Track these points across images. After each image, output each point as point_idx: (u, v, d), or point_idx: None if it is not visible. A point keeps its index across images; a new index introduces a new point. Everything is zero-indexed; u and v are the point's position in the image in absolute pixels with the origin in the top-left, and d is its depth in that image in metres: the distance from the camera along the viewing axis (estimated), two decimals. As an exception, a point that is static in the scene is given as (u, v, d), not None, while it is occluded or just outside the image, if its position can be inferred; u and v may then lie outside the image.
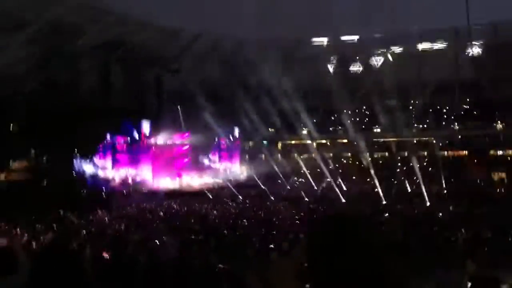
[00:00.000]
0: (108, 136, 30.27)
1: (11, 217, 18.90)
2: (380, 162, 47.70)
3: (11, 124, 32.66)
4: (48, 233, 15.44)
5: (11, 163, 33.07)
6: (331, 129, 52.90)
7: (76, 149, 27.48)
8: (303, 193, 32.75)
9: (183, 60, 39.30)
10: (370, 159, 48.79)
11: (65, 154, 25.76)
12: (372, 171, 43.48)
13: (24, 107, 28.98)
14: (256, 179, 39.73)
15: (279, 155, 52.50)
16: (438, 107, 50.84)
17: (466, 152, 46.26)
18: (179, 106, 35.52)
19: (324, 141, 52.63)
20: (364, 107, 52.77)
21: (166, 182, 33.66)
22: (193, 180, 36.29)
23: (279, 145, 53.88)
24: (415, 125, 51.55)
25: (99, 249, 11.63)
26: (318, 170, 44.28)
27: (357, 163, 47.60)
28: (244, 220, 20.05)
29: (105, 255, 9.39)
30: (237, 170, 42.35)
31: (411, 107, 51.40)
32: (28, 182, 29.86)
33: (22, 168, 32.90)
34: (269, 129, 51.71)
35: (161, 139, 33.71)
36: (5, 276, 2.65)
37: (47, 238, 14.04)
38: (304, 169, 45.58)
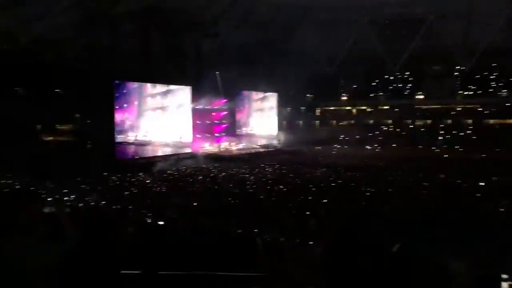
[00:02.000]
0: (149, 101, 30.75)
1: (57, 179, 19.94)
2: (422, 129, 46.39)
3: (56, 89, 33.68)
4: (93, 195, 16.14)
5: (56, 126, 34.48)
6: (371, 95, 51.56)
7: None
8: (340, 160, 32.59)
9: (221, 25, 38.91)
10: (412, 126, 47.61)
11: (107, 118, 26.38)
12: (413, 139, 42.63)
13: (67, 72, 29.69)
14: (294, 145, 39.80)
15: (317, 121, 52.11)
16: (486, 73, 48.42)
17: (514, 120, 44.19)
18: (217, 72, 35.51)
19: (364, 107, 51.56)
20: (408, 72, 50.97)
21: (204, 147, 34.20)
22: (231, 145, 36.74)
23: (318, 111, 53.29)
24: (460, 91, 49.51)
25: (140, 212, 12.11)
26: (358, 137, 43.75)
27: (397, 130, 46.59)
28: (281, 186, 20.30)
29: (147, 218, 9.70)
30: (274, 136, 42.37)
31: (456, 73, 49.23)
32: (73, 144, 31.08)
33: (67, 131, 34.20)
34: (308, 95, 51.10)
35: (200, 104, 34.04)
36: (52, 242, 2.73)
37: (92, 200, 14.69)
38: (343, 135, 45.08)
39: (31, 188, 13.25)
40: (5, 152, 22.35)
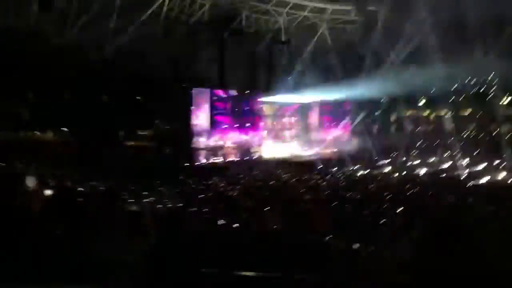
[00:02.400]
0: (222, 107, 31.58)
1: (140, 182, 20.67)
2: (509, 136, 43.03)
3: (138, 97, 35.65)
4: (172, 197, 16.79)
5: (138, 131, 36.30)
6: (450, 100, 48.67)
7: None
8: (418, 167, 31.24)
9: (292, 32, 39.09)
10: (496, 132, 44.32)
11: (184, 124, 27.46)
12: (499, 146, 39.63)
13: (148, 81, 31.32)
14: (368, 151, 38.65)
15: (393, 126, 50.23)
16: None
17: None
18: (289, 78, 35.72)
19: (443, 113, 48.85)
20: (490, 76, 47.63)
21: (275, 152, 34.31)
22: (302, 150, 36.58)
23: (393, 116, 51.32)
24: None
25: (214, 214, 12.41)
26: (436, 143, 41.56)
27: (481, 136, 43.64)
28: (354, 193, 19.17)
29: (220, 220, 9.95)
30: (347, 141, 41.52)
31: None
32: (153, 149, 32.61)
33: (148, 136, 35.96)
34: (383, 99, 49.41)
35: (271, 110, 34.39)
36: (137, 238, 2.91)
37: (172, 203, 15.30)
38: (421, 142, 42.97)
39: (118, 190, 14.10)
40: (95, 156, 24.05)
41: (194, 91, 28.47)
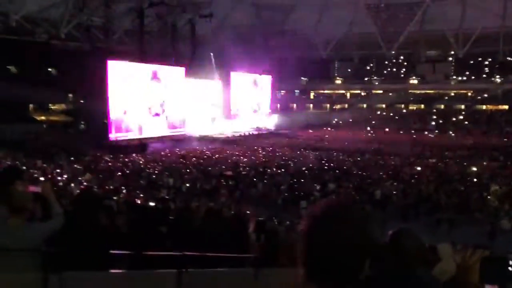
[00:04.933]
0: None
1: (51, 158, 19.83)
2: (416, 114, 46.52)
3: (49, 68, 33.35)
4: (86, 174, 16.11)
5: (50, 106, 34.20)
6: (366, 79, 51.36)
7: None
8: (332, 143, 32.61)
9: (215, 5, 38.35)
10: (405, 110, 47.72)
11: (99, 97, 26.01)
12: (406, 123, 42.69)
13: (60, 51, 29.36)
14: (287, 128, 39.67)
15: (311, 104, 51.89)
16: (480, 59, 48.43)
17: (507, 107, 44.32)
18: (211, 52, 35.14)
19: (358, 91, 51.42)
20: (402, 57, 50.86)
21: (199, 129, 33.94)
22: (225, 127, 36.42)
23: (312, 94, 53.10)
24: (454, 77, 49.57)
25: (132, 193, 12.10)
26: (350, 120, 43.75)
27: (391, 114, 46.60)
28: (274, 169, 20.50)
29: (138, 200, 9.74)
30: (269, 118, 42.16)
31: (450, 58, 49.21)
32: (66, 124, 30.85)
33: (61, 111, 33.98)
34: (302, 78, 50.74)
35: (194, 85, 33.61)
36: (39, 220, 2.77)
37: (86, 179, 14.68)
38: (336, 119, 45.10)
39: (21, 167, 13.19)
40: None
41: (111, 63, 26.34)
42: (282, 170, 20.26)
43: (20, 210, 2.56)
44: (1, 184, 2.77)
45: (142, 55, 30.02)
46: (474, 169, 20.73)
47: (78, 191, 9.42)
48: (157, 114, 30.37)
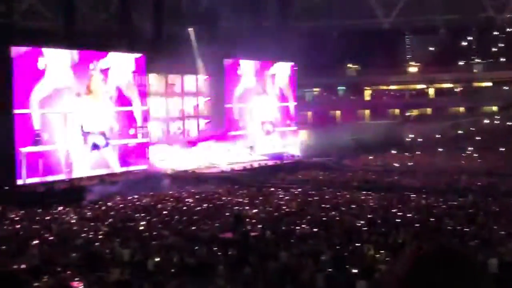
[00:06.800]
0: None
1: None
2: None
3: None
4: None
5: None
6: (461, 63, 37.50)
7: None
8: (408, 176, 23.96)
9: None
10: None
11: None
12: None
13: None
14: (327, 154, 29.30)
15: (367, 110, 39.49)
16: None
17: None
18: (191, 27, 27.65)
19: (447, 85, 37.55)
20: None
21: (172, 159, 25.28)
22: (218, 156, 26.87)
23: (367, 92, 40.38)
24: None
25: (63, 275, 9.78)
26: (438, 136, 32.82)
27: (508, 124, 34.04)
28: (306, 225, 14.40)
29: None
30: (293, 138, 31.42)
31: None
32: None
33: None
34: (349, 65, 38.81)
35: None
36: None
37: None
38: (412, 135, 33.96)
39: None
40: None
41: (14, 49, 20.46)
42: (322, 227, 14.35)
43: None
44: None
45: (69, 35, 23.14)
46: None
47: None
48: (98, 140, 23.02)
